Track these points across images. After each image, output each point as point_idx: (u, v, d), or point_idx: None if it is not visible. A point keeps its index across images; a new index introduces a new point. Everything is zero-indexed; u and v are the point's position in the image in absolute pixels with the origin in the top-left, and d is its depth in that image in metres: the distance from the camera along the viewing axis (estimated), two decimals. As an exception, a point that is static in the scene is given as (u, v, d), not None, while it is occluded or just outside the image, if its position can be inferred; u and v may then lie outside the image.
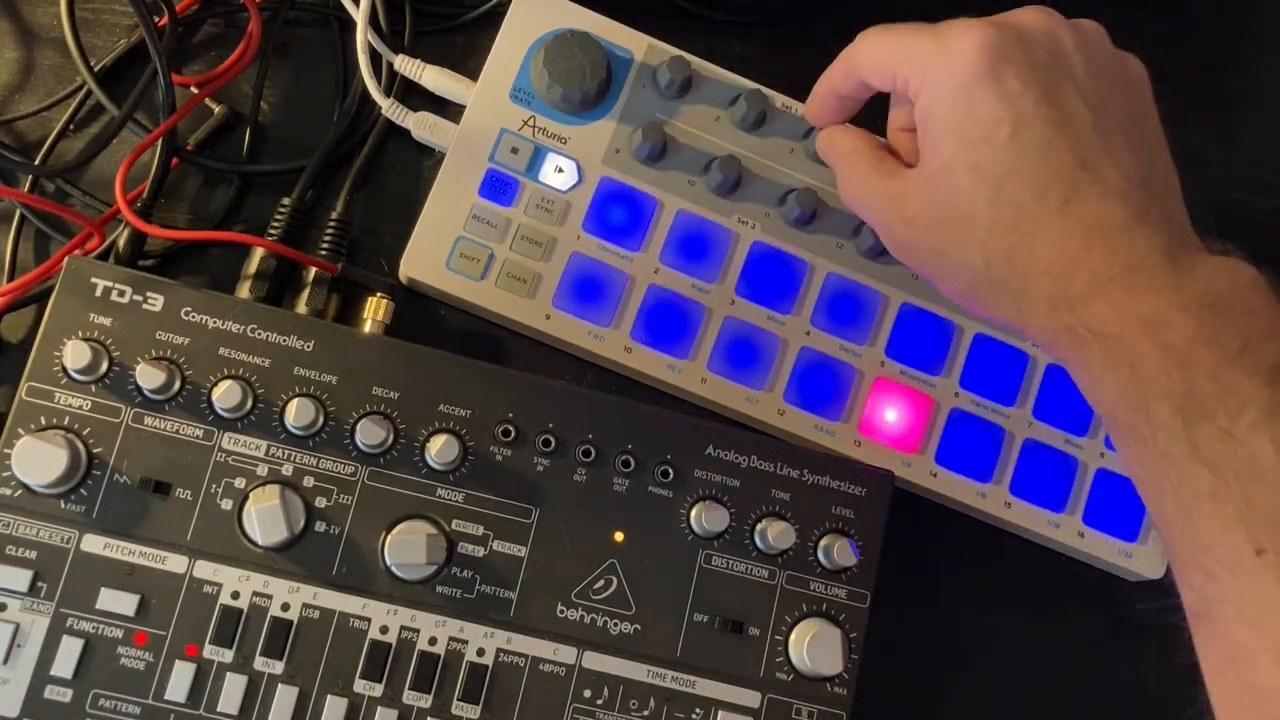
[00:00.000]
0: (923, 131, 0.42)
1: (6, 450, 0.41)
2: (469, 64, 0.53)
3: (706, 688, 0.44)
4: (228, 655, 0.42)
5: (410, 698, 0.42)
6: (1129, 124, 0.41)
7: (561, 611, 0.44)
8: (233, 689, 0.41)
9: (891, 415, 0.51)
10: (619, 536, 0.45)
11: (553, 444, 0.45)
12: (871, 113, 0.47)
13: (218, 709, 0.41)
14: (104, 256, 0.48)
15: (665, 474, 0.45)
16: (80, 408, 0.42)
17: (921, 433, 0.51)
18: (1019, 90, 0.39)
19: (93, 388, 0.43)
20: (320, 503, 0.43)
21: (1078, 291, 0.38)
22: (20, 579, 0.41)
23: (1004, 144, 0.39)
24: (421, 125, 0.51)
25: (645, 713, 0.44)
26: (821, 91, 0.47)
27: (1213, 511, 0.34)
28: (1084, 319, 0.38)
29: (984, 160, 0.39)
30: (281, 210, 0.49)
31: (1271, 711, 0.33)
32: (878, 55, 0.43)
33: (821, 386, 0.51)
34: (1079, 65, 0.41)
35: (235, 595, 0.42)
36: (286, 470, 0.43)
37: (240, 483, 0.43)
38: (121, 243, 0.48)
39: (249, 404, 0.43)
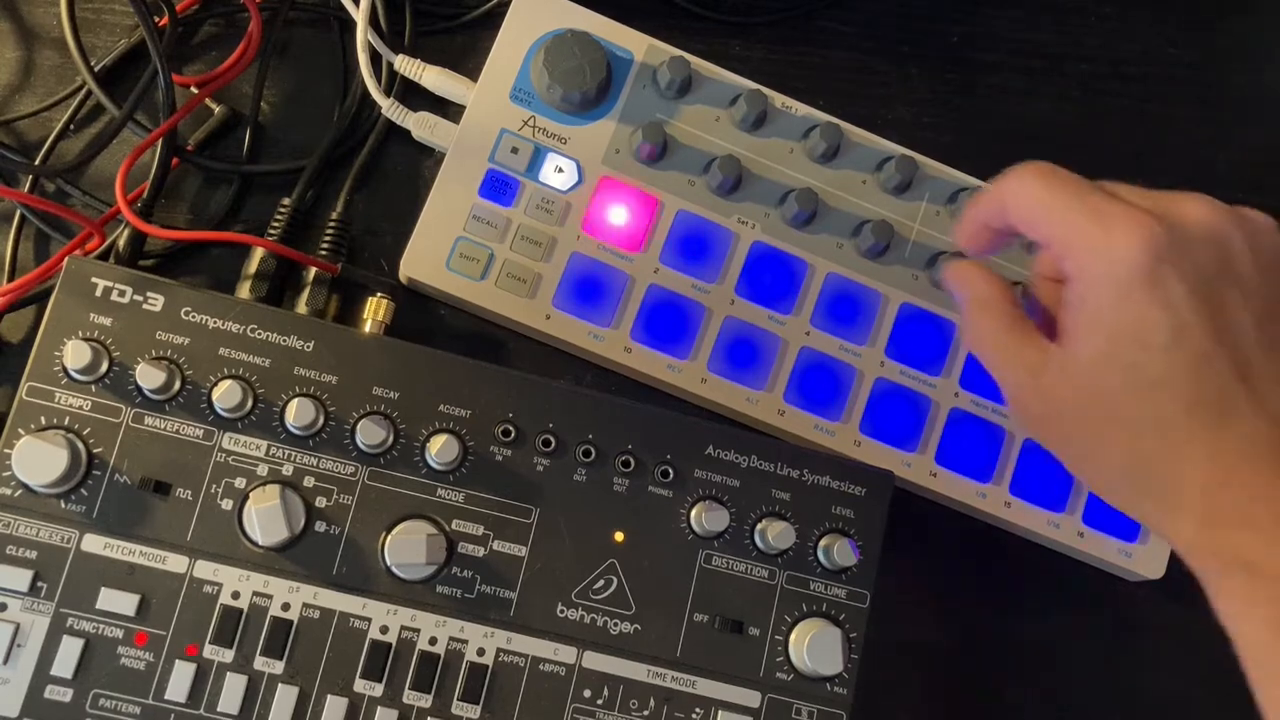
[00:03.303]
0: (1074, 313, 0.39)
1: (6, 450, 0.41)
2: (469, 64, 0.53)
3: (706, 688, 0.44)
4: (228, 655, 0.42)
5: (410, 697, 0.42)
6: None
7: (561, 611, 0.44)
8: (233, 689, 0.41)
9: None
10: (619, 536, 0.45)
11: (553, 444, 0.45)
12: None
13: (218, 709, 0.41)
14: (104, 256, 0.48)
15: (665, 474, 0.45)
16: (80, 408, 0.42)
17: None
18: (1181, 297, 0.37)
19: (93, 388, 0.42)
20: (320, 503, 0.43)
21: (1226, 515, 0.37)
22: (20, 579, 0.41)
23: (1159, 351, 0.37)
24: (421, 125, 0.51)
25: (645, 713, 0.44)
26: (973, 218, 0.44)
27: None
28: (1232, 545, 0.36)
29: (1137, 363, 0.38)
30: (281, 210, 0.49)
31: None
32: (1033, 213, 0.40)
33: (821, 386, 0.51)
34: (1246, 267, 0.38)
35: (235, 595, 0.42)
36: (286, 470, 0.43)
37: (240, 483, 0.43)
38: (121, 243, 0.48)
39: (249, 404, 0.43)
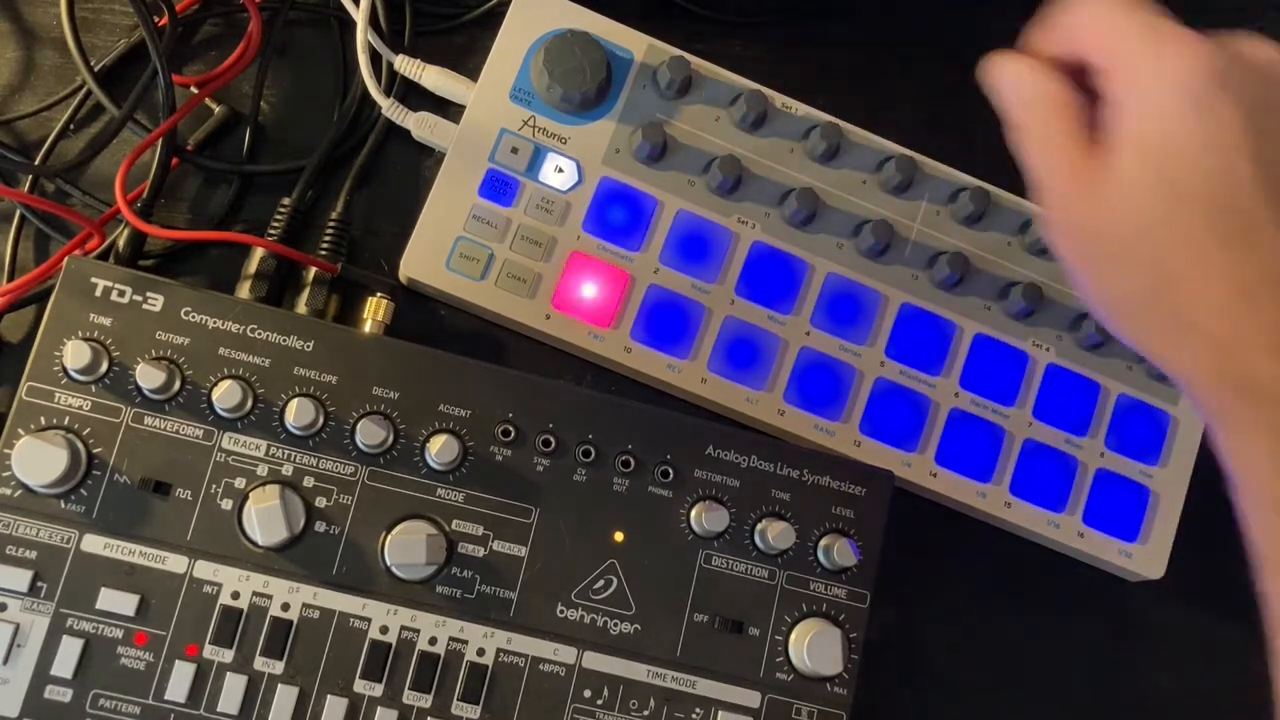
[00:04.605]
0: (1117, 130, 0.39)
1: (6, 450, 0.41)
2: (469, 64, 0.53)
3: (706, 688, 0.44)
4: (228, 655, 0.42)
5: (410, 698, 0.42)
6: None
7: (561, 611, 0.44)
8: (233, 689, 0.41)
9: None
10: (619, 536, 0.45)
11: (553, 444, 0.45)
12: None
13: (218, 709, 0.41)
14: (104, 256, 0.48)
15: (665, 474, 0.45)
16: (80, 408, 0.42)
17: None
18: (1228, 120, 0.37)
19: (93, 388, 0.43)
20: (320, 503, 0.43)
21: (1246, 341, 0.36)
22: (20, 579, 0.41)
23: (1198, 170, 0.37)
24: (421, 125, 0.51)
25: (645, 713, 0.44)
26: (1045, 27, 0.42)
27: None
28: (1249, 373, 0.36)
29: (1173, 181, 0.37)
30: (281, 210, 0.49)
31: None
32: (1088, 27, 0.40)
33: (821, 386, 0.51)
34: None
35: (235, 595, 0.42)
36: (286, 470, 0.43)
37: (240, 483, 0.43)
38: (121, 243, 0.48)
39: (249, 404, 0.43)
